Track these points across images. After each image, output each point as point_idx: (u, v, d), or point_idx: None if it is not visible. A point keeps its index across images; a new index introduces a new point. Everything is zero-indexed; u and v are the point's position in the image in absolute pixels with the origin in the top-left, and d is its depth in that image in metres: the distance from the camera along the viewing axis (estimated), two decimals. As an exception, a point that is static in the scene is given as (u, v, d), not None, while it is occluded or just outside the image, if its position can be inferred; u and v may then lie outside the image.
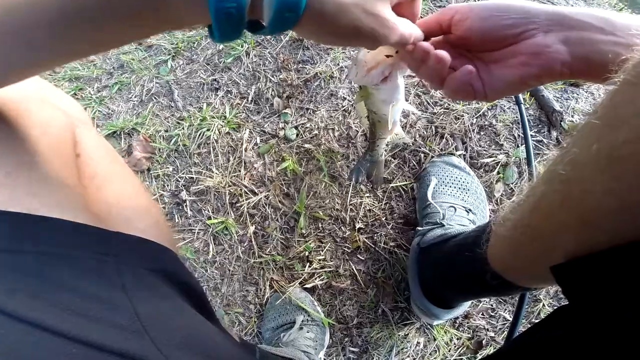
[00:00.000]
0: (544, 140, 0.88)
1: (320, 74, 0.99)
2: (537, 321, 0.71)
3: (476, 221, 0.76)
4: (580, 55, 0.36)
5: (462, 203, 0.77)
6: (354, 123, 0.93)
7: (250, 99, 1.01)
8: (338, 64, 0.99)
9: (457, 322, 0.80)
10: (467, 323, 0.80)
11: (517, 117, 0.89)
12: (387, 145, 0.59)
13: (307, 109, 0.97)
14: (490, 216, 0.81)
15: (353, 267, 0.84)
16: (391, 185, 0.87)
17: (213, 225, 0.91)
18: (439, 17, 0.42)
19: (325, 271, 0.85)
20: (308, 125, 0.95)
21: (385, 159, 0.87)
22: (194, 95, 1.05)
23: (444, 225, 0.73)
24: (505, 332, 0.78)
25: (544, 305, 0.79)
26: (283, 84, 1.00)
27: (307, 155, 0.92)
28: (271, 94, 1.00)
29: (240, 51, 1.05)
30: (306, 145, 0.93)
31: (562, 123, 0.87)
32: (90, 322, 0.30)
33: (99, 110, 1.08)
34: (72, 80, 1.14)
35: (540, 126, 0.89)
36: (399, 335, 0.80)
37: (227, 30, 0.29)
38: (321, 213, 0.87)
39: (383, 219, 0.86)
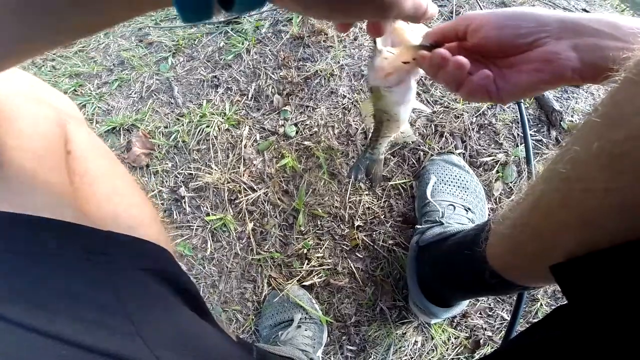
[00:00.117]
0: (544, 139, 0.88)
1: (321, 71, 0.99)
2: (534, 321, 0.71)
3: (475, 220, 0.76)
4: (590, 61, 0.36)
5: (461, 201, 0.77)
6: (353, 121, 0.93)
7: (250, 96, 1.00)
8: (338, 62, 0.99)
9: (455, 321, 0.80)
10: (465, 322, 0.80)
11: (516, 116, 0.89)
12: (389, 143, 0.60)
13: (307, 106, 0.96)
14: (489, 215, 0.81)
15: (351, 265, 0.84)
16: (390, 183, 0.87)
17: (211, 221, 0.91)
18: (455, 25, 0.43)
19: (323, 269, 0.84)
20: (308, 122, 0.94)
21: (385, 157, 0.87)
22: (194, 92, 1.05)
23: (443, 224, 0.73)
24: (503, 332, 0.78)
25: (541, 304, 0.79)
26: (283, 82, 1.00)
27: (306, 153, 0.92)
28: (271, 91, 0.99)
29: (240, 49, 1.05)
30: (306, 143, 0.92)
31: (561, 123, 0.87)
32: (81, 323, 0.30)
33: (98, 107, 1.08)
34: (72, 76, 1.14)
35: (539, 125, 0.89)
36: (396, 333, 0.80)
37: (190, 5, 0.25)
38: (320, 210, 0.87)
39: (382, 217, 0.86)
